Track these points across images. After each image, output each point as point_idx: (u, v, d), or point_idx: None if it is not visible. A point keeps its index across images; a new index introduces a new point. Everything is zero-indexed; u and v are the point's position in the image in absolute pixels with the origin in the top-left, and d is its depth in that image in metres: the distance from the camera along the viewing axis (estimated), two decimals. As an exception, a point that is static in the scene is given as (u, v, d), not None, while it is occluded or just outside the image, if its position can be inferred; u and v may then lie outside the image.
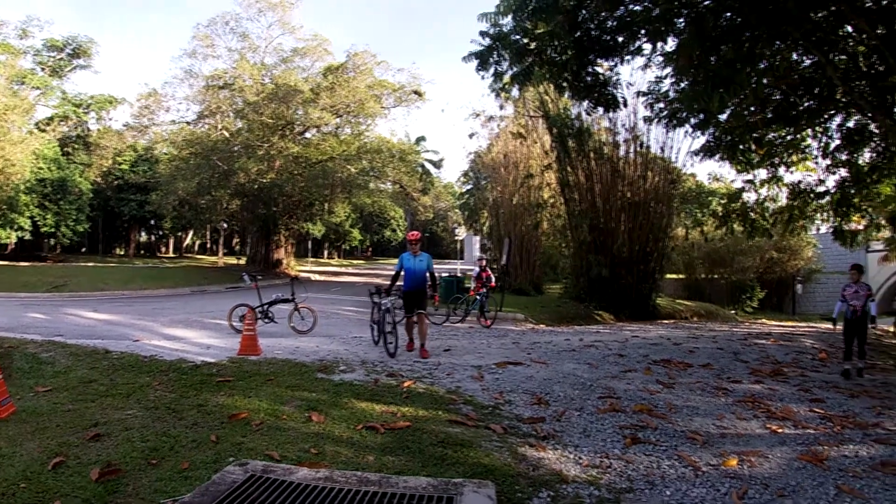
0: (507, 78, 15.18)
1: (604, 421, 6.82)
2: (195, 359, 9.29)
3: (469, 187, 45.22)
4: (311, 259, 59.06)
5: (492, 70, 14.60)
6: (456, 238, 48.31)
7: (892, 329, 18.82)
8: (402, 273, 10.96)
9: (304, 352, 10.56)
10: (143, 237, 64.11)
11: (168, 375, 8.08)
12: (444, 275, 23.74)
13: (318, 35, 38.49)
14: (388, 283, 11.28)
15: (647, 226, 24.57)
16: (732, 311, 33.38)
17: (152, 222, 56.99)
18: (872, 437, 7.02)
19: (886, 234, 25.19)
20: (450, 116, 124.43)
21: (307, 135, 38.75)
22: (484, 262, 17.74)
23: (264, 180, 34.85)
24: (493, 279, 17.99)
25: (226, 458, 5.08)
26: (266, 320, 13.64)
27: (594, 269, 23.38)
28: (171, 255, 62.32)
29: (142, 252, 59.24)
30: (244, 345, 10.11)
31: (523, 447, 5.73)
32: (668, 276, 34.33)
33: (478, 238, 47.06)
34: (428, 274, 10.92)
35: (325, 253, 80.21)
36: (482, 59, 14.23)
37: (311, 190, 37.46)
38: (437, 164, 66.79)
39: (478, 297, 17.13)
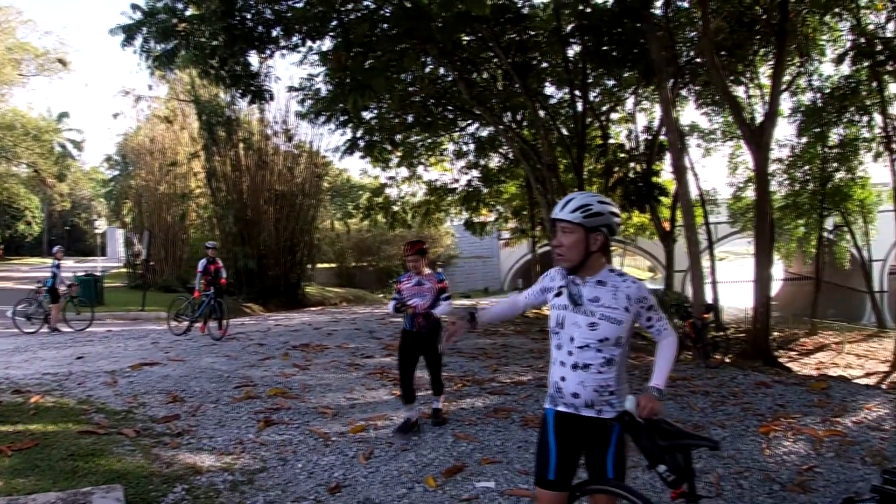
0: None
1: (239, 409, 7.01)
2: None
3: (116, 174, 41.64)
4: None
5: (138, 47, 13.75)
6: (97, 231, 43.47)
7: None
8: None
9: None
10: None
11: None
12: (79, 274, 21.63)
13: (-40, -18, 31.34)
14: None
15: (294, 217, 25.01)
16: (381, 296, 35.35)
17: None
18: (488, 390, 8.23)
19: (512, 224, 29.09)
20: (98, 92, 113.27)
21: (-72, 103, 32.25)
22: (212, 252, 14.13)
23: None
24: (224, 275, 14.43)
25: None
26: None
27: (241, 261, 23.16)
28: None
29: None
30: None
31: (157, 447, 5.68)
32: (321, 265, 35.31)
33: (122, 231, 43.56)
34: None
35: (-56, 253, 67.79)
36: (129, 33, 13.30)
37: (-73, 174, 31.52)
38: (79, 146, 59.69)
39: (204, 298, 13.58)
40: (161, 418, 6.60)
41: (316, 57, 16.01)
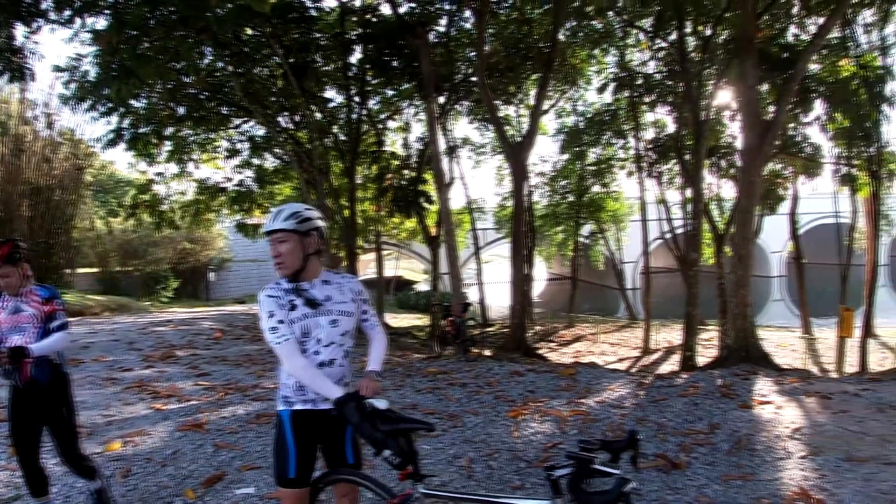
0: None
1: (-15, 435, 6.39)
2: None
3: None
4: None
5: None
6: None
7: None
8: None
9: None
10: None
11: None
12: None
13: None
14: None
15: (51, 214, 22.81)
16: (148, 303, 33.32)
17: None
18: (251, 396, 8.15)
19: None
20: None
21: None
22: None
23: None
24: None
25: None
26: None
27: (-12, 264, 20.71)
28: None
29: None
30: None
31: None
32: (81, 269, 32.62)
33: None
34: None
35: None
36: None
37: None
38: None
39: None
40: None
41: (88, 35, 14.87)
